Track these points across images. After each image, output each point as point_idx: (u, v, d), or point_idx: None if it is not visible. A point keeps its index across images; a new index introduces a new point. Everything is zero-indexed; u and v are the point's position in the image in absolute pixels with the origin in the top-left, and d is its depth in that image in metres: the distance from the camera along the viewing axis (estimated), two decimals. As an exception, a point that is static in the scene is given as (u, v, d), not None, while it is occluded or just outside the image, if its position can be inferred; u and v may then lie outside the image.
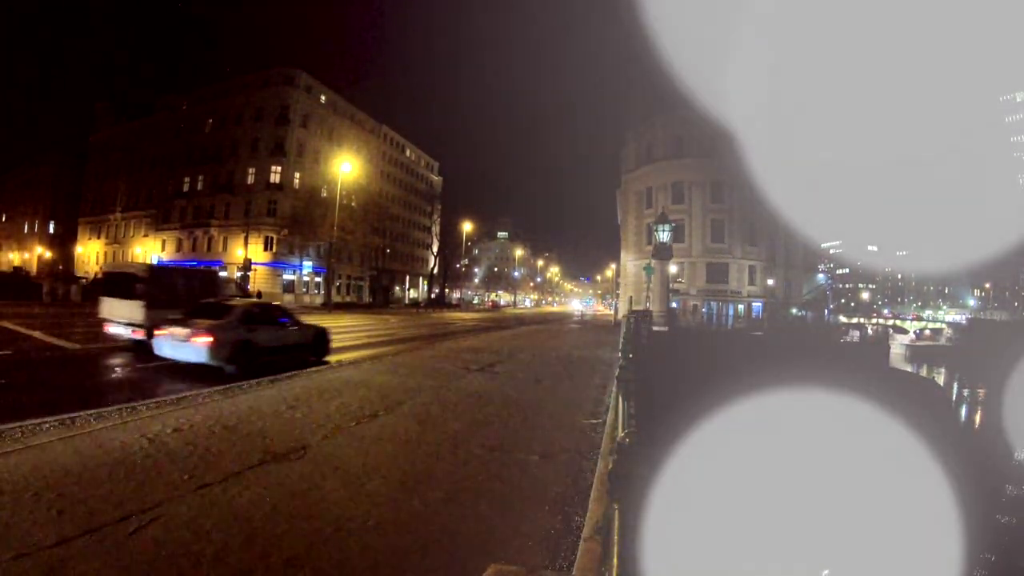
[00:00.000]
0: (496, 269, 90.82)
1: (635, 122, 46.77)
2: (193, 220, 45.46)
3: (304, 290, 45.90)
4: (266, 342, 9.09)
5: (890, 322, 67.88)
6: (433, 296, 59.91)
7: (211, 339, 8.00)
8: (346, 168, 38.20)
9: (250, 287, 36.89)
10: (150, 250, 48.37)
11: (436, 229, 67.30)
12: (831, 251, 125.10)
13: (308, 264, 44.71)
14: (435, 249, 65.67)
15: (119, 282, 10.92)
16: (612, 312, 48.92)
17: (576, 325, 33.23)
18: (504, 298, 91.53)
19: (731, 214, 39.81)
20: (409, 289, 65.63)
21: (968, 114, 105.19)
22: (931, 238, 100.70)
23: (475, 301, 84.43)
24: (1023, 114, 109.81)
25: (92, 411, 5.38)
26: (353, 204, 46.86)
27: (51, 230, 60.36)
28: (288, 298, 43.19)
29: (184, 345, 8.10)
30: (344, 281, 50.88)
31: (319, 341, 10.76)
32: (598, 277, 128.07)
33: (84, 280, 37.59)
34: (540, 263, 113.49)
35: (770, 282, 40.57)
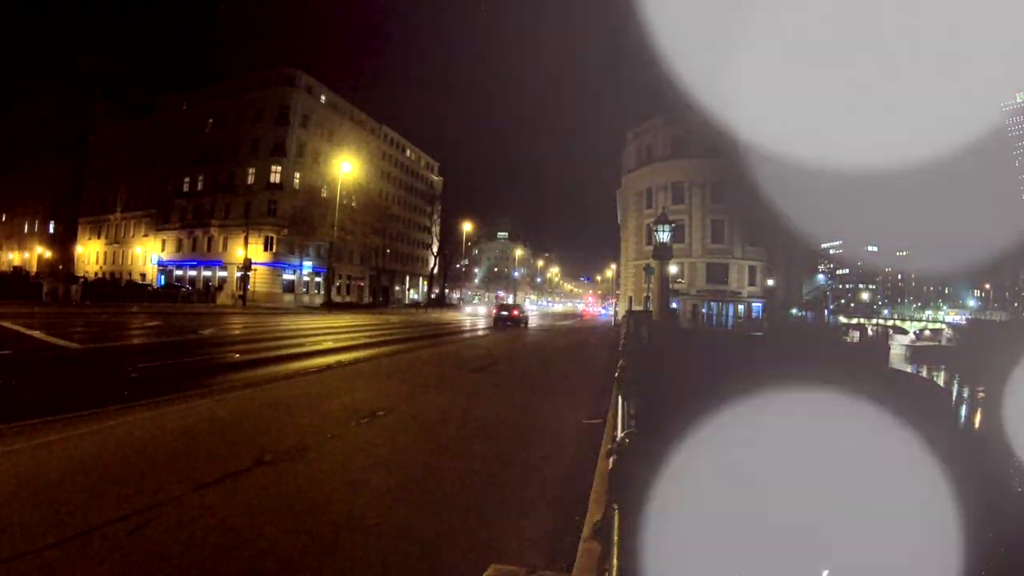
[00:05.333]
0: (496, 269, 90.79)
1: (635, 122, 46.84)
2: (193, 220, 45.42)
3: (304, 290, 45.88)
4: None
5: (890, 323, 67.89)
6: (433, 296, 59.91)
7: None
8: (346, 168, 38.19)
9: (250, 287, 36.97)
10: (150, 250, 48.34)
11: (436, 229, 67.27)
12: (831, 251, 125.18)
13: (308, 264, 44.69)
14: (435, 249, 65.65)
15: None
16: (611, 314, 48.97)
17: (569, 326, 33.18)
18: (508, 298, 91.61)
19: (731, 214, 39.80)
20: (409, 289, 65.61)
21: (968, 114, 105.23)
22: (931, 238, 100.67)
23: (475, 301, 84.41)
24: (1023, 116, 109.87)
25: (90, 411, 5.37)
26: (353, 204, 46.84)
27: (51, 230, 60.32)
28: (288, 298, 43.20)
29: None
30: (344, 281, 50.86)
31: None
32: (598, 277, 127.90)
33: (84, 280, 37.56)
34: (540, 263, 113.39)
35: (770, 282, 40.58)
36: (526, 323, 28.91)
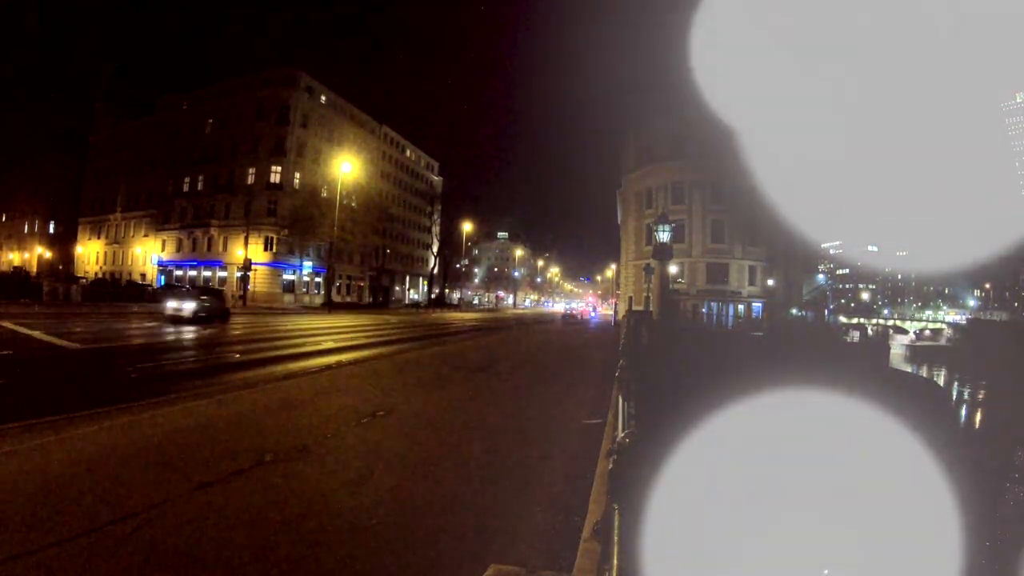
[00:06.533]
0: (496, 269, 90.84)
1: (635, 122, 46.83)
2: (193, 220, 45.40)
3: (304, 290, 45.87)
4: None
5: (890, 322, 67.89)
6: (433, 296, 59.91)
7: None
8: (346, 168, 38.17)
9: (250, 287, 36.97)
10: (150, 250, 48.32)
11: (436, 229, 67.27)
12: (831, 251, 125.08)
13: (308, 264, 44.68)
14: (435, 249, 65.65)
15: None
16: (600, 315, 50.42)
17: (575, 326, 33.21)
18: (508, 298, 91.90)
19: (731, 214, 39.79)
20: (409, 289, 65.61)
21: (968, 114, 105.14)
22: (931, 238, 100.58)
23: (475, 301, 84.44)
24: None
25: (90, 411, 5.38)
26: (353, 204, 46.84)
27: (51, 230, 60.32)
28: (288, 298, 43.19)
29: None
30: (344, 281, 50.85)
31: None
32: (598, 277, 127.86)
33: (84, 280, 37.54)
34: (540, 263, 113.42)
35: (770, 282, 40.58)
36: (576, 319, 44.74)
